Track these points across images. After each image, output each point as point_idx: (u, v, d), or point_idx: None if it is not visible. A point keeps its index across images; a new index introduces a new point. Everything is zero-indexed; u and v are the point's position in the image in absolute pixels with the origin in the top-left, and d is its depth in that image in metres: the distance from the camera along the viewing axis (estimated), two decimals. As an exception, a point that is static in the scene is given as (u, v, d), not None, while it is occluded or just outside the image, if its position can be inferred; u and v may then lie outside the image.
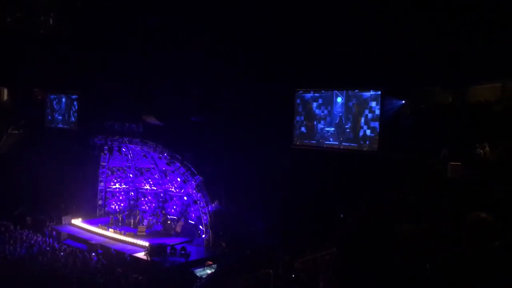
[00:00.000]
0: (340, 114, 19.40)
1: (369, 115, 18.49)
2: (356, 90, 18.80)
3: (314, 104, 20.32)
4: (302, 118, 20.73)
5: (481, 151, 10.62)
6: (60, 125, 29.95)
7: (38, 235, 23.00)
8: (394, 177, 13.06)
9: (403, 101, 17.71)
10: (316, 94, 20.29)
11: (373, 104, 18.32)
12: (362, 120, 18.65)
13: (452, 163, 11.43)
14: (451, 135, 13.75)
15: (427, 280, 4.18)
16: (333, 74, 18.69)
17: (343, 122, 19.32)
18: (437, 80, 16.39)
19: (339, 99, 19.33)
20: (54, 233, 23.96)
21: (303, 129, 20.73)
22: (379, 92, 18.04)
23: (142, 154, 24.76)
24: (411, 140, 16.13)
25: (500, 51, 13.53)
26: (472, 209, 4.28)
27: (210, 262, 20.11)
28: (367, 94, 18.45)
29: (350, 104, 19.07)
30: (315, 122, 20.28)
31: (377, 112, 18.15)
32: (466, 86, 16.21)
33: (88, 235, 24.16)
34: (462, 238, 3.99)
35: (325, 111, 19.97)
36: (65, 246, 21.76)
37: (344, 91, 19.10)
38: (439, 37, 14.94)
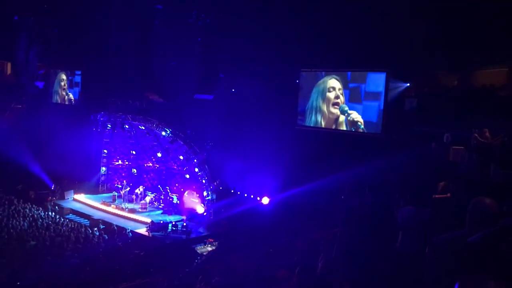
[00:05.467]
0: None
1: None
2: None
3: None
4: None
5: (477, 136, 10.53)
6: (63, 101, 29.94)
7: (41, 209, 23.24)
8: (397, 160, 13.08)
9: (408, 84, 17.60)
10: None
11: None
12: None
13: (454, 147, 11.41)
14: (455, 119, 13.70)
15: (426, 262, 4.22)
16: (339, 55, 18.54)
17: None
18: (442, 64, 16.25)
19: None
20: (56, 207, 24.18)
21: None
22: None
23: (145, 131, 24.80)
24: (414, 123, 16.08)
25: (506, 34, 13.39)
26: (475, 194, 4.30)
27: (211, 240, 20.32)
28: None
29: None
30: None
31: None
32: (471, 70, 16.09)
33: (90, 210, 24.38)
34: (465, 222, 4.02)
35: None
36: (68, 221, 21.99)
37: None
38: (445, 20, 14.77)
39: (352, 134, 18.63)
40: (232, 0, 19.87)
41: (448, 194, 7.02)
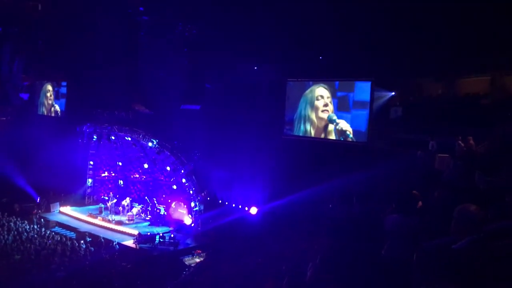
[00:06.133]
0: None
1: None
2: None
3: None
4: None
5: (461, 143, 10.66)
6: (49, 113, 29.67)
7: (26, 222, 22.90)
8: (383, 168, 13.17)
9: (393, 93, 17.77)
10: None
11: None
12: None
13: (439, 155, 11.53)
14: (440, 127, 13.86)
15: (414, 270, 4.24)
16: (324, 65, 18.67)
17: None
18: (426, 72, 16.46)
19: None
20: (42, 220, 23.86)
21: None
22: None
23: (132, 142, 24.65)
24: (400, 132, 16.23)
25: (490, 44, 13.62)
26: (460, 201, 4.34)
27: (199, 251, 20.19)
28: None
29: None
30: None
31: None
32: (455, 78, 16.32)
33: (76, 223, 24.10)
34: (450, 229, 4.06)
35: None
36: (53, 234, 21.70)
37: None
38: (430, 29, 14.98)
39: (339, 143, 18.73)
40: (218, 11, 19.92)
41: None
